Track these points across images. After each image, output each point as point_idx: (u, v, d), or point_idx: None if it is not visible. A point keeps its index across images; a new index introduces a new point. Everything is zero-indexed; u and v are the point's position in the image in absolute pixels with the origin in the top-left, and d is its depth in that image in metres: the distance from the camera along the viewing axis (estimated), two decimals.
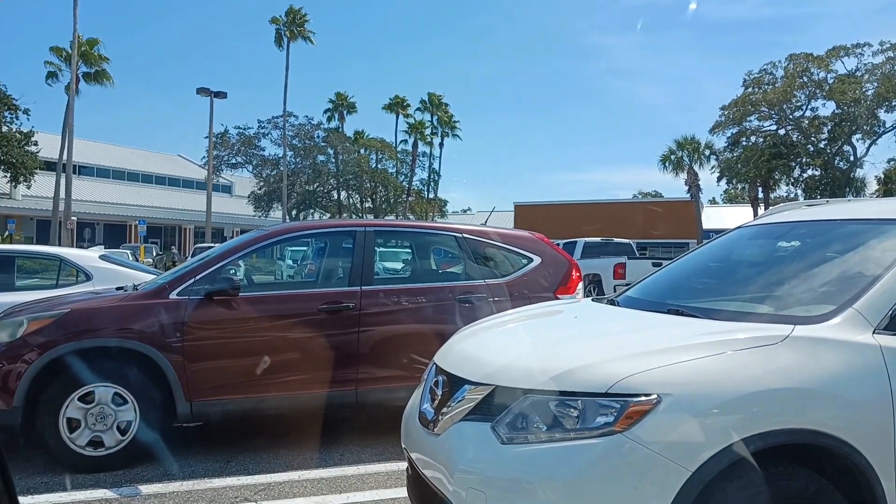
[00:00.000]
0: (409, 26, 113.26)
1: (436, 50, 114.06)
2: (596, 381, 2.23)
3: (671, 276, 3.82)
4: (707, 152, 42.65)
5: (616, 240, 20.29)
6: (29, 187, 34.51)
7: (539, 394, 2.31)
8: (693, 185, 42.53)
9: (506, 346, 2.99)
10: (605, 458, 2.12)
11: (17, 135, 31.59)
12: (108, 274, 6.96)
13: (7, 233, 34.58)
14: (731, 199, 69.45)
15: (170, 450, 4.73)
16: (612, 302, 3.53)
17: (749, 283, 3.35)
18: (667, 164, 43.21)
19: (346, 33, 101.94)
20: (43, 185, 38.37)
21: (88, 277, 6.97)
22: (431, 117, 57.55)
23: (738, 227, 3.92)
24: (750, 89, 40.53)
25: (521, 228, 6.60)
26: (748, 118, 40.58)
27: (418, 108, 56.84)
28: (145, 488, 4.10)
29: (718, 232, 4.25)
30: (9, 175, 32.47)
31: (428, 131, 57.51)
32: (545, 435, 2.24)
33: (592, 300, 3.79)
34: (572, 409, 2.23)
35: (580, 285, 5.82)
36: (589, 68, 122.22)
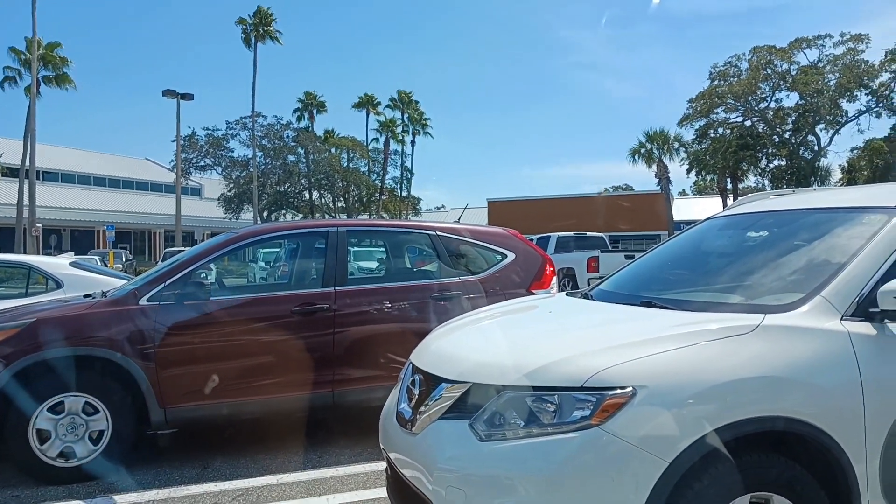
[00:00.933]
0: (377, 24, 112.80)
1: (404, 47, 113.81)
2: (571, 376, 2.24)
3: (643, 269, 3.85)
4: (676, 145, 43.24)
5: (589, 233, 20.47)
6: None
7: (515, 390, 2.31)
8: (663, 177, 43.08)
9: (481, 343, 3.00)
10: (583, 451, 2.13)
11: None
12: (80, 281, 6.81)
13: None
14: (700, 190, 70.44)
15: (144, 458, 4.66)
16: (585, 296, 3.55)
17: (720, 274, 3.40)
18: (636, 157, 43.71)
19: (314, 32, 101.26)
20: (6, 191, 37.51)
21: (59, 285, 6.82)
22: (402, 115, 57.41)
23: (708, 219, 3.97)
24: (716, 82, 41.14)
25: (494, 225, 6.61)
26: (715, 110, 41.19)
27: (388, 106, 56.68)
28: (120, 498, 4.03)
29: (689, 223, 4.31)
30: None
31: (399, 129, 57.38)
32: (523, 431, 2.24)
33: (566, 294, 3.81)
34: (549, 405, 2.24)
35: (554, 280, 5.85)
36: (557, 62, 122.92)
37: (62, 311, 4.70)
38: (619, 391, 2.16)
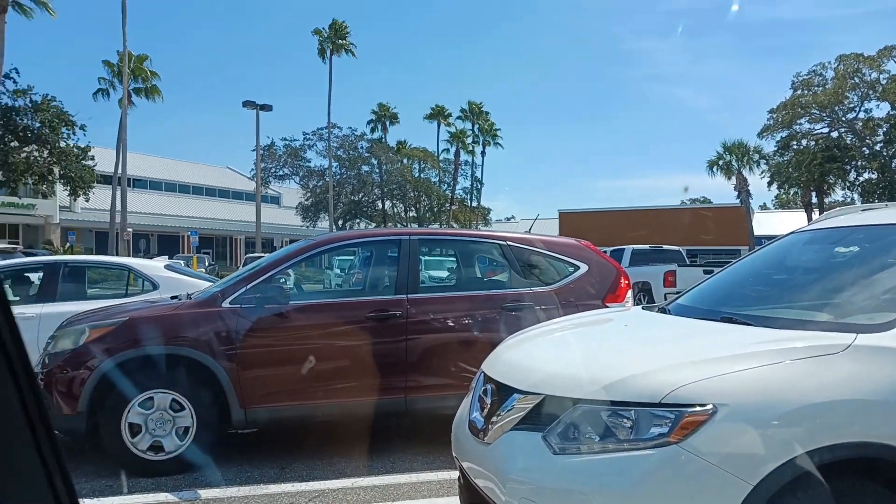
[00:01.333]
0: (448, 36, 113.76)
1: (475, 58, 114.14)
2: (649, 391, 2.21)
3: (723, 284, 3.75)
4: (756, 156, 41.67)
5: (665, 247, 19.93)
6: (87, 200, 35.84)
7: (590, 403, 2.29)
8: (743, 190, 41.59)
9: (555, 354, 2.98)
10: (661, 469, 2.10)
11: (75, 150, 32.79)
12: (173, 283, 7.19)
13: (68, 244, 35.89)
14: (782, 204, 67.66)
15: (227, 456, 4.84)
16: (662, 310, 3.48)
17: (805, 290, 3.27)
18: (714, 169, 42.36)
19: (387, 44, 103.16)
20: (100, 197, 39.81)
21: (155, 286, 7.23)
22: (472, 126, 57.76)
23: (792, 233, 3.82)
24: (799, 91, 39.47)
25: (566, 236, 6.55)
26: (798, 121, 39.50)
27: (459, 117, 57.17)
28: (204, 493, 4.20)
29: (770, 238, 4.15)
30: (68, 189, 33.72)
31: (469, 140, 57.73)
32: (598, 445, 2.22)
33: (643, 308, 3.75)
34: (625, 420, 2.21)
35: (629, 293, 5.74)
36: (630, 73, 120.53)
37: (151, 311, 4.95)
38: (698, 408, 2.11)
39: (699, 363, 2.30)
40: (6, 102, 30.02)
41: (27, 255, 15.26)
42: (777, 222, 46.37)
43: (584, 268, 5.60)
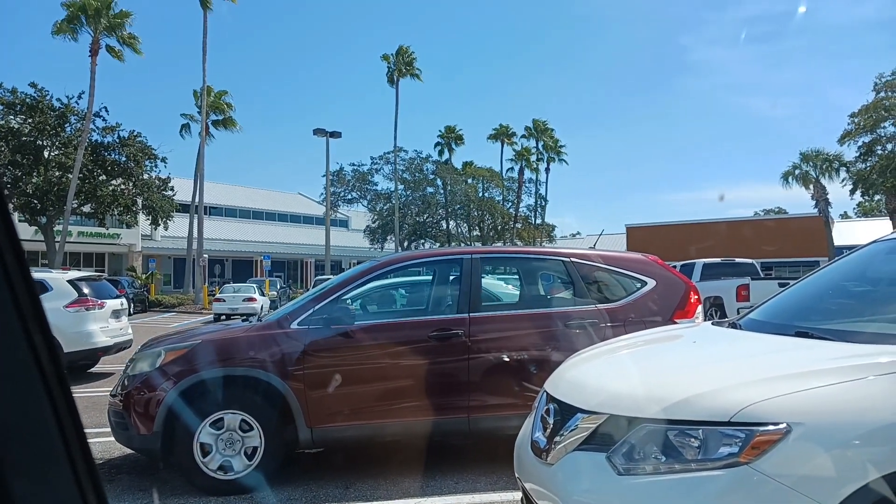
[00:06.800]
0: (513, 51, 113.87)
1: (540, 74, 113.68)
2: (718, 409, 2.12)
3: (799, 297, 3.57)
4: (836, 164, 39.83)
5: (738, 259, 19.22)
6: (167, 229, 37.54)
7: (656, 423, 2.22)
8: (821, 199, 39.81)
9: (620, 372, 2.90)
10: (731, 490, 2.00)
11: (156, 181, 34.52)
12: None
13: (150, 271, 37.64)
14: (865, 212, 64.32)
15: (292, 474, 4.91)
16: (733, 325, 3.34)
17: (889, 303, 3.07)
18: (790, 180, 40.73)
19: (451, 66, 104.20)
20: (179, 225, 41.68)
21: None
22: (537, 143, 57.61)
23: (874, 242, 3.61)
24: (882, 94, 37.59)
25: (633, 251, 6.40)
26: (882, 125, 37.56)
27: (523, 136, 57.12)
28: None
29: (852, 248, 3.93)
30: (150, 218, 35.47)
31: (534, 157, 57.60)
32: (664, 466, 2.14)
33: (713, 324, 3.61)
34: (693, 439, 2.13)
35: (699, 309, 5.55)
36: (699, 84, 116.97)
37: (222, 333, 5.10)
38: (770, 427, 2.01)
39: (771, 380, 2.19)
40: (96, 139, 31.97)
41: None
42: (860, 231, 44.09)
43: (651, 283, 5.45)
